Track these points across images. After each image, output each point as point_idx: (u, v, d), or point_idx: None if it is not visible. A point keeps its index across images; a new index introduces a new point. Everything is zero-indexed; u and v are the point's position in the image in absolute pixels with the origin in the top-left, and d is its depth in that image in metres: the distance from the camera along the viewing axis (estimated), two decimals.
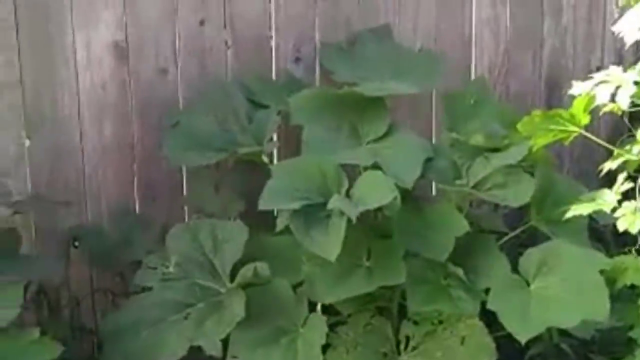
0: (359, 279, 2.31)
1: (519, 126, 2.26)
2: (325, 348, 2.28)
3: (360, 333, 2.34)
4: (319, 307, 2.37)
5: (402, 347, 2.34)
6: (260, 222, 2.55)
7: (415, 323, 2.36)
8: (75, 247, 2.72)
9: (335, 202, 2.23)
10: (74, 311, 2.74)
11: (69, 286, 2.74)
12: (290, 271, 2.38)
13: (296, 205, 2.25)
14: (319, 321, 2.30)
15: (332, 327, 2.33)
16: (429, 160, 2.46)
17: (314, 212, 2.26)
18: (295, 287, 2.37)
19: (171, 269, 2.48)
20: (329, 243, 2.20)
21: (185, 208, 2.82)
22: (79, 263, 2.73)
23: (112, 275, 2.74)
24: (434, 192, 2.80)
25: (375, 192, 2.25)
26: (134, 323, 2.38)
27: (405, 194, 2.34)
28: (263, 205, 2.28)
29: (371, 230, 2.40)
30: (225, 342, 2.29)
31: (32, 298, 2.68)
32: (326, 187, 2.31)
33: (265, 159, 2.60)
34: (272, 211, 2.56)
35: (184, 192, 2.83)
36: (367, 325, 2.36)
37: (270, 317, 2.32)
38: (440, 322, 2.34)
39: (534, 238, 2.57)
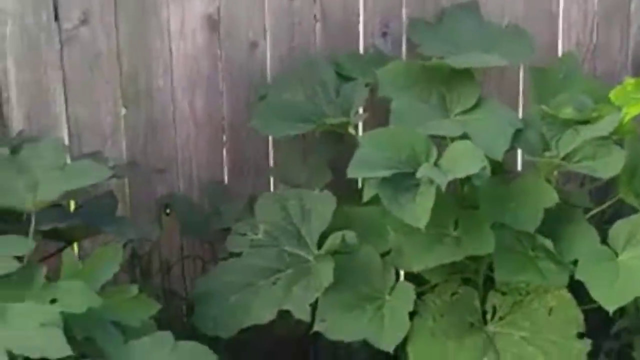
0: (447, 248, 2.33)
1: (610, 95, 2.26)
2: (411, 316, 2.31)
3: (447, 302, 2.36)
4: (402, 275, 2.41)
5: (488, 317, 2.36)
6: (347, 194, 2.59)
7: (503, 294, 2.37)
8: (167, 214, 2.80)
9: (424, 171, 2.25)
10: (164, 277, 2.83)
11: (160, 252, 2.82)
12: (377, 241, 2.41)
13: (385, 173, 2.27)
14: (407, 288, 2.33)
15: (418, 295, 2.35)
16: (517, 132, 2.46)
17: (402, 181, 2.28)
18: (382, 256, 2.40)
19: (260, 236, 2.53)
20: (418, 210, 2.23)
21: (272, 180, 2.88)
22: (169, 230, 2.81)
23: (202, 243, 2.81)
24: (519, 168, 2.81)
25: (464, 162, 2.26)
26: (224, 287, 2.44)
27: (494, 166, 2.35)
28: (351, 173, 2.31)
29: (459, 201, 2.42)
30: (313, 308, 2.33)
31: (126, 262, 2.78)
32: (415, 157, 2.33)
33: (352, 130, 2.63)
34: (358, 183, 2.60)
35: (271, 164, 2.88)
36: (453, 294, 2.38)
37: (357, 285, 2.36)
38: (528, 293, 2.34)
39: (619, 214, 2.56)
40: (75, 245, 2.65)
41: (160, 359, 1.97)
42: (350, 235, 2.37)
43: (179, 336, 2.24)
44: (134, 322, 2.10)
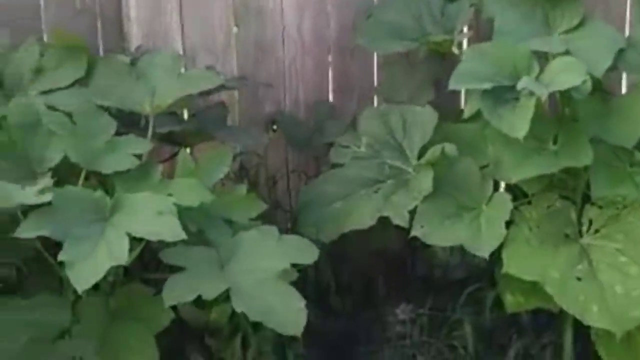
0: (546, 159, 2.37)
1: None
2: (507, 225, 2.37)
3: (543, 213, 2.41)
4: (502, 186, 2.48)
5: (584, 229, 2.41)
6: (448, 112, 2.66)
7: (599, 207, 2.41)
8: (274, 130, 2.92)
9: (525, 83, 2.30)
10: (270, 190, 2.96)
11: (267, 167, 2.95)
12: (476, 156, 2.48)
13: (487, 85, 2.33)
14: (504, 199, 2.40)
15: (515, 207, 2.41)
16: (621, 51, 2.48)
17: (503, 93, 2.33)
18: (480, 168, 2.46)
19: (362, 149, 2.63)
20: (517, 121, 2.28)
21: (376, 100, 2.97)
22: (276, 146, 2.94)
23: (306, 158, 2.93)
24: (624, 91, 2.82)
25: (565, 75, 2.30)
26: (327, 195, 2.56)
27: (595, 84, 2.38)
28: (453, 84, 2.37)
29: (558, 116, 2.46)
30: (411, 216, 2.42)
31: (235, 174, 2.92)
32: (516, 72, 2.37)
33: (455, 50, 2.69)
34: (459, 101, 2.66)
35: (375, 83, 2.97)
36: (550, 206, 2.43)
37: (455, 194, 2.43)
38: (624, 207, 2.38)
39: None
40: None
41: (266, 250, 2.10)
42: (451, 147, 2.45)
43: None
44: (242, 219, 2.23)
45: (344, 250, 2.69)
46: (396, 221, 2.42)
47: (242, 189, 2.28)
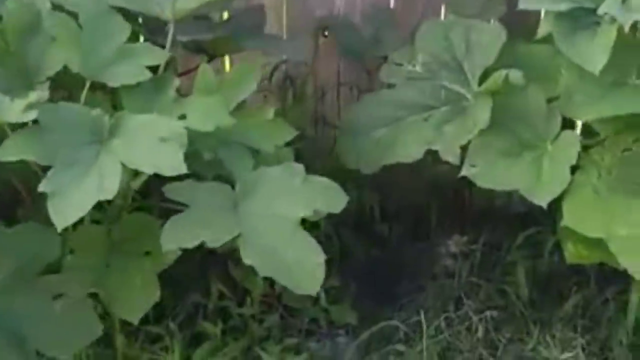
0: (625, 97, 2.04)
1: None
2: (573, 170, 2.06)
3: (617, 158, 2.09)
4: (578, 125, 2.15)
5: None
6: (520, 29, 2.32)
7: None
8: (325, 36, 2.63)
9: (607, 7, 1.95)
10: (318, 103, 2.68)
11: (316, 77, 2.67)
12: (546, 84, 2.14)
13: (562, 6, 1.99)
14: (572, 139, 2.07)
15: (585, 148, 2.09)
16: None
17: (581, 17, 1.99)
18: (549, 101, 2.14)
19: (417, 68, 2.31)
20: (595, 52, 1.95)
21: (444, 9, 2.63)
22: (327, 55, 2.65)
23: (359, 71, 2.63)
24: None
25: None
26: (372, 119, 2.26)
27: None
28: (523, 3, 2.03)
29: None
30: (464, 151, 2.12)
31: (278, 84, 2.65)
32: None
33: None
34: (536, 19, 2.31)
35: None
36: (626, 150, 2.10)
37: (517, 129, 2.12)
38: None
39: None
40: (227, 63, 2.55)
41: (289, 190, 1.84)
42: (516, 74, 2.12)
43: (324, 167, 2.14)
44: (268, 147, 1.97)
45: (392, 175, 2.41)
46: (445, 157, 2.13)
47: (269, 111, 2.01)
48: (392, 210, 2.71)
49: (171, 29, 2.03)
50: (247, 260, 1.70)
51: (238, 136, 1.95)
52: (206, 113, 1.89)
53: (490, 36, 2.27)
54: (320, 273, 1.75)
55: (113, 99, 1.94)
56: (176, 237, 1.71)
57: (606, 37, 1.94)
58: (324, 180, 1.87)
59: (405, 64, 2.33)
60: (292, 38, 2.49)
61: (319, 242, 2.04)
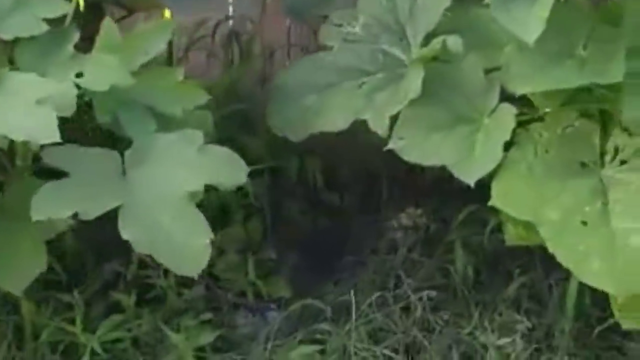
0: (568, 70, 1.88)
1: None
2: (510, 146, 1.91)
3: (557, 135, 1.93)
4: None
5: (607, 158, 1.92)
6: None
7: (630, 134, 1.91)
8: None
9: None
10: (266, 63, 2.54)
11: (263, 36, 2.52)
12: (489, 52, 1.99)
13: None
14: (508, 113, 1.92)
15: (523, 124, 1.94)
16: None
17: None
18: (489, 71, 1.98)
19: (357, 30, 2.16)
20: (530, 21, 1.78)
21: None
22: (276, 13, 2.50)
23: (309, 31, 2.49)
24: None
25: None
26: (304, 84, 2.12)
27: None
28: None
29: (594, 14, 1.93)
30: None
31: (222, 42, 2.51)
32: None
33: None
34: None
35: None
36: (567, 127, 1.94)
37: (452, 101, 1.97)
38: None
39: None
40: None
41: (185, 157, 1.71)
42: (455, 41, 1.96)
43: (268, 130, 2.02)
44: (175, 111, 1.84)
45: (342, 142, 2.28)
46: (374, 127, 1.98)
47: (178, 73, 1.87)
48: (342, 180, 2.57)
49: None
50: (125, 235, 1.58)
51: (141, 98, 1.82)
52: (104, 71, 1.76)
53: None
54: (205, 255, 1.62)
55: (11, 53, 1.82)
56: (47, 207, 1.58)
57: (543, 6, 1.77)
58: (223, 150, 1.73)
59: (345, 25, 2.18)
60: None
61: (248, 211, 1.93)
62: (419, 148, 1.94)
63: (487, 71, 1.98)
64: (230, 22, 2.48)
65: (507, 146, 1.90)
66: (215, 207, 2.22)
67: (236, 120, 2.36)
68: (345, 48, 2.15)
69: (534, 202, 1.85)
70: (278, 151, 2.37)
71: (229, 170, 1.71)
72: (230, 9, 2.48)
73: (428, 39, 2.06)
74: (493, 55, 2.00)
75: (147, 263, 2.20)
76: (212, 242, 1.64)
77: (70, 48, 1.79)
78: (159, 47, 1.86)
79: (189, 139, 1.71)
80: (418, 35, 2.10)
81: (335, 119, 2.02)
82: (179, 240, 1.60)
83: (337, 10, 2.21)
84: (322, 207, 2.54)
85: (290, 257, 2.39)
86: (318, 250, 2.44)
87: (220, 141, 1.80)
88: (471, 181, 1.87)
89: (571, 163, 1.91)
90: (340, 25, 2.18)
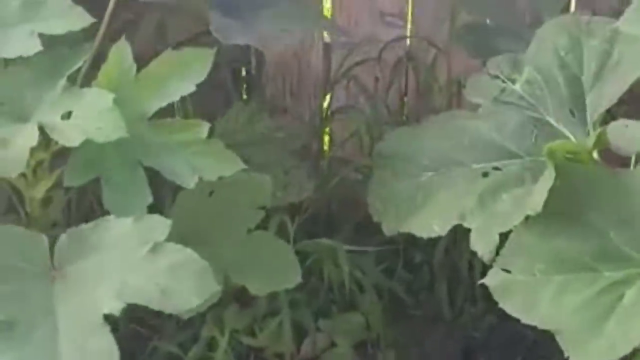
0: None
1: None
2: None
3: None
4: None
5: None
6: None
7: None
8: None
9: None
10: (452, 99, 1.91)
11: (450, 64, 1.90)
12: None
13: None
14: None
15: None
16: None
17: None
18: None
19: (517, 87, 1.47)
20: None
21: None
22: None
23: None
24: None
25: None
26: (423, 153, 1.48)
27: None
28: None
29: None
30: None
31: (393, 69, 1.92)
32: None
33: None
34: None
35: None
36: None
37: (600, 228, 1.23)
38: None
39: None
40: None
41: (127, 262, 1.18)
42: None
43: None
44: (189, 179, 1.34)
45: None
46: (475, 246, 1.30)
47: (203, 127, 1.34)
48: None
49: None
50: None
51: (147, 158, 1.34)
52: (94, 116, 1.30)
53: None
54: None
55: None
56: None
57: None
58: (187, 253, 1.18)
59: (503, 76, 1.50)
60: None
61: None
62: (524, 295, 1.23)
63: None
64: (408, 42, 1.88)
65: None
66: None
67: None
68: (494, 111, 1.48)
69: None
70: None
71: (188, 285, 1.17)
72: (409, 26, 1.87)
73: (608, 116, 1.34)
74: None
75: None
76: None
77: (64, 78, 1.35)
78: (188, 87, 1.36)
79: (145, 231, 1.20)
80: (601, 107, 1.37)
81: (431, 220, 1.37)
82: None
83: (501, 55, 1.52)
84: None
85: None
86: None
87: None
88: None
89: None
90: (496, 77, 1.50)
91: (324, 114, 1.92)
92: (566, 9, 1.80)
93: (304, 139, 1.80)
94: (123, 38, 1.37)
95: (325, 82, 1.89)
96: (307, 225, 1.77)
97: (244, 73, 1.95)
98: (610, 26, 1.42)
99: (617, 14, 1.72)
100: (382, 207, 1.47)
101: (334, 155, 1.92)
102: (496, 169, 1.40)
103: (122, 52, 1.36)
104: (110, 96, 1.30)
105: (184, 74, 1.36)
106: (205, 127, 1.35)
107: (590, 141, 1.25)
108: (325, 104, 1.93)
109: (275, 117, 1.77)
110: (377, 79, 1.91)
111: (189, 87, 1.36)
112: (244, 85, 1.94)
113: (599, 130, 1.25)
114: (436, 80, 1.87)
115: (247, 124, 1.73)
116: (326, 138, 1.96)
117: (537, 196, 1.23)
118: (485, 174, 1.39)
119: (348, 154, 1.90)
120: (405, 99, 1.93)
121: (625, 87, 1.32)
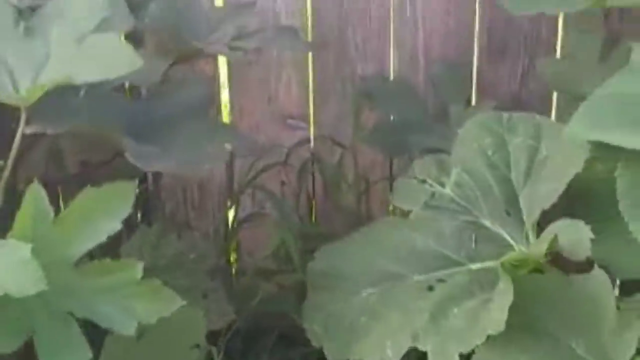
0: None
1: None
2: None
3: None
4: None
5: None
6: None
7: None
8: None
9: None
10: (360, 199, 1.86)
11: (357, 164, 1.86)
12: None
13: None
14: None
15: None
16: None
17: None
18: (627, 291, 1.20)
19: (447, 191, 1.44)
20: None
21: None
22: None
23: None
24: None
25: None
26: (362, 267, 1.42)
27: None
28: None
29: None
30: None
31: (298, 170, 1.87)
32: None
33: None
34: None
35: None
36: None
37: (563, 341, 1.20)
38: None
39: None
40: None
41: None
42: (578, 230, 1.22)
43: None
44: (129, 325, 1.23)
45: None
46: None
47: (137, 267, 1.24)
48: None
49: (23, 118, 1.31)
50: None
51: (78, 307, 1.22)
52: (11, 269, 1.17)
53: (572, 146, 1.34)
54: None
55: None
56: None
57: None
58: None
59: (430, 180, 1.46)
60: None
61: None
62: None
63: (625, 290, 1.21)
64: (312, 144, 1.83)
65: None
66: None
67: None
68: (427, 217, 1.44)
69: None
70: None
71: None
72: (312, 129, 1.83)
73: (550, 215, 1.31)
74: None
75: None
76: None
77: None
78: (114, 225, 1.25)
79: None
80: (535, 207, 1.35)
81: (383, 343, 1.30)
82: None
83: (422, 158, 1.49)
84: None
85: None
86: None
87: None
88: None
89: None
90: (423, 181, 1.46)
91: (231, 225, 1.84)
92: (468, 99, 1.80)
93: (214, 257, 1.71)
94: (35, 180, 1.25)
95: (230, 192, 1.81)
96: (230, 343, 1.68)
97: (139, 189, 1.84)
98: (533, 121, 1.42)
99: (517, 100, 1.75)
100: (323, 331, 1.40)
101: (245, 267, 1.83)
102: (440, 280, 1.35)
103: (35, 195, 1.24)
104: (28, 247, 1.18)
105: (107, 211, 1.26)
106: (139, 266, 1.25)
107: (542, 249, 1.22)
108: (231, 215, 1.85)
109: (183, 236, 1.67)
110: (283, 183, 1.85)
111: (116, 225, 1.26)
112: (141, 204, 1.83)
113: (550, 237, 1.21)
114: (344, 178, 1.82)
115: (155, 249, 1.63)
116: (235, 250, 1.87)
117: (497, 314, 1.19)
118: (430, 288, 1.34)
119: (260, 263, 1.82)
120: (314, 201, 1.87)
121: (562, 187, 1.30)
